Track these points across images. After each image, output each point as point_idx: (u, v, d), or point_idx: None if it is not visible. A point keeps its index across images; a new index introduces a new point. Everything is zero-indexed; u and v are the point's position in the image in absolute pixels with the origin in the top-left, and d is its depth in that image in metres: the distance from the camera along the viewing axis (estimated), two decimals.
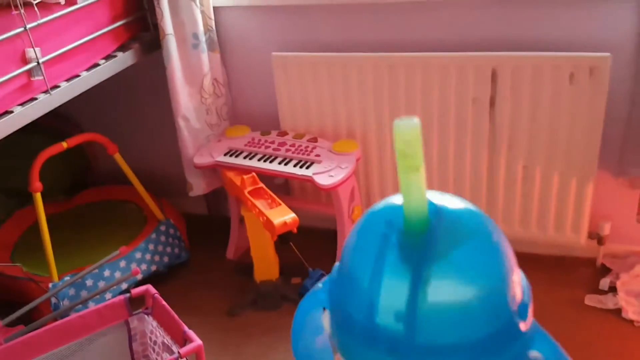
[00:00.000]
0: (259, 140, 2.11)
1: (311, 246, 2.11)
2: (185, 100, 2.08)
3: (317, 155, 1.99)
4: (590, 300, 1.89)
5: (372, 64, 1.93)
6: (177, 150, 2.17)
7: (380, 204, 0.30)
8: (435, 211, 0.26)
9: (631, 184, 1.85)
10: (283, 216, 1.77)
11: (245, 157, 2.04)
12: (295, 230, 1.79)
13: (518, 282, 0.28)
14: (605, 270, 1.99)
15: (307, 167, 1.95)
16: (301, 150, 2.03)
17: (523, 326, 0.28)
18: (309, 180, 1.92)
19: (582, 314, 1.85)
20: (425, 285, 0.25)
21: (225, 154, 2.07)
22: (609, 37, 1.73)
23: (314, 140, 2.07)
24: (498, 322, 0.26)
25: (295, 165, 1.97)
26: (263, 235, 1.92)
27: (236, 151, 2.08)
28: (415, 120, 0.25)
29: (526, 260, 2.04)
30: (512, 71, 1.78)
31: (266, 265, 2.00)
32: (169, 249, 2.16)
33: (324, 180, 1.89)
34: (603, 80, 1.69)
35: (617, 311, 1.83)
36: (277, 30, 2.08)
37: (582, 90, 1.72)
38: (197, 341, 1.45)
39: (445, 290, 0.25)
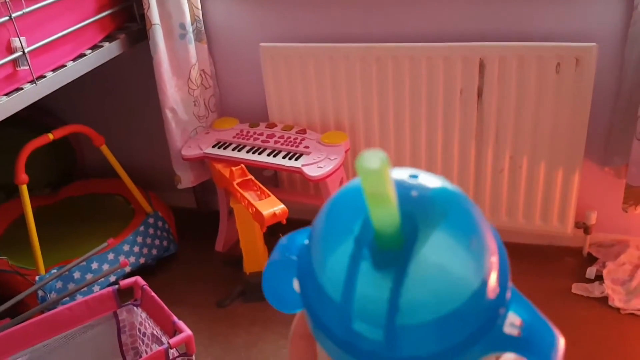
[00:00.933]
0: (248, 132, 2.10)
1: None
2: (172, 91, 2.07)
3: (306, 147, 1.99)
4: (577, 289, 1.91)
5: (361, 55, 1.93)
6: (164, 142, 2.16)
7: (344, 201, 0.29)
8: (409, 225, 0.26)
9: (617, 173, 1.87)
10: (272, 207, 1.77)
11: (233, 149, 2.04)
12: (284, 222, 1.79)
13: (496, 265, 0.28)
14: (591, 259, 2.01)
15: (296, 159, 1.95)
16: (290, 141, 2.02)
17: (502, 310, 0.28)
18: (298, 172, 1.92)
19: (569, 302, 1.87)
20: (403, 302, 0.26)
21: (213, 146, 2.06)
22: (595, 27, 1.75)
23: (303, 131, 2.07)
24: (480, 319, 0.27)
25: (284, 157, 1.97)
26: (252, 226, 1.92)
27: (224, 143, 2.07)
28: (380, 158, 0.24)
29: (513, 250, 2.05)
30: (499, 61, 1.79)
31: (255, 256, 2.00)
32: (157, 242, 2.15)
33: (312, 171, 1.89)
34: (589, 70, 1.71)
35: (604, 299, 1.85)
36: (265, 21, 2.08)
37: (569, 80, 1.74)
38: (187, 331, 1.44)
39: (425, 304, 0.26)
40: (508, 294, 0.29)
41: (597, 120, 1.82)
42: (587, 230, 1.97)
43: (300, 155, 1.96)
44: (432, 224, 0.27)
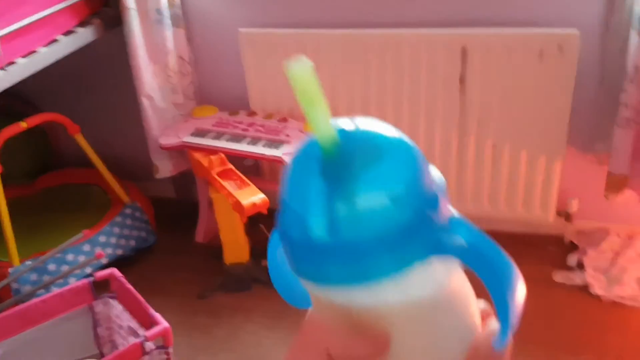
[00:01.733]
0: (227, 120, 2.06)
1: None
2: (149, 78, 2.02)
3: (287, 136, 1.96)
4: (558, 276, 1.91)
5: (342, 41, 1.89)
6: (142, 131, 2.11)
7: (305, 140, 0.34)
8: (346, 135, 0.32)
9: (599, 161, 1.87)
10: (252, 197, 1.74)
11: (213, 138, 2.00)
12: (265, 212, 1.77)
13: (429, 174, 0.33)
14: (573, 247, 2.01)
15: (276, 148, 1.92)
16: (271, 130, 1.99)
17: (436, 216, 0.32)
18: (279, 161, 1.89)
19: (551, 290, 1.87)
20: (344, 196, 0.31)
21: (192, 135, 2.02)
22: (578, 14, 1.73)
23: (284, 120, 2.04)
24: (410, 214, 0.31)
25: (264, 146, 1.93)
26: (232, 217, 1.89)
27: (203, 131, 2.03)
28: (303, 60, 0.31)
29: (494, 238, 2.06)
30: (482, 48, 1.77)
31: (236, 247, 1.97)
32: (135, 233, 2.11)
33: None
34: (572, 56, 1.69)
35: (585, 287, 1.86)
36: (245, 5, 2.03)
37: (552, 67, 1.72)
38: (164, 324, 1.41)
39: (363, 197, 0.31)
40: (443, 208, 0.32)
41: (580, 107, 1.81)
42: (568, 217, 1.97)
43: (282, 143, 1.93)
44: (368, 134, 0.32)
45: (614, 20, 1.67)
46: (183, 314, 1.91)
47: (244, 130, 2.00)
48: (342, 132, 0.32)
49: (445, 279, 0.33)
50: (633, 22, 1.61)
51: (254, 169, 2.21)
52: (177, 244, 2.23)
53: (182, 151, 2.13)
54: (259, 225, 1.96)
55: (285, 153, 1.88)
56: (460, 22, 1.82)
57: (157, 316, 1.45)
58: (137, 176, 2.35)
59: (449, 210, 0.34)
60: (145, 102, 2.03)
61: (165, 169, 2.15)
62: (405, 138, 0.33)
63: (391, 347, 0.33)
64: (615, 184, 1.80)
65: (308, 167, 0.32)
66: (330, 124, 0.31)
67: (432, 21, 1.84)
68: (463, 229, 0.33)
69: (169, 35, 2.00)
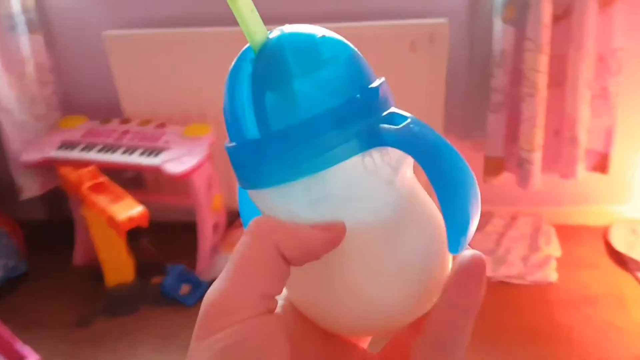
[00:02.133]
0: (98, 129, 1.92)
1: (173, 241, 1.97)
2: (4, 90, 1.84)
3: (166, 142, 1.85)
4: None
5: (212, 39, 1.82)
6: (2, 148, 1.91)
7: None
8: (277, 32, 0.32)
9: (475, 147, 1.92)
10: (128, 211, 1.62)
11: (82, 150, 1.84)
12: (146, 225, 1.65)
13: (367, 68, 0.32)
14: None
15: (155, 156, 1.80)
16: (148, 137, 1.87)
17: (374, 107, 0.31)
18: (157, 170, 1.78)
19: None
20: (271, 88, 0.30)
21: (58, 148, 1.86)
22: (445, 2, 1.77)
23: (162, 126, 1.93)
24: (341, 101, 0.30)
25: (141, 155, 1.81)
26: (110, 234, 1.75)
27: (72, 144, 1.87)
28: None
29: None
30: (353, 42, 1.73)
31: (118, 267, 1.83)
32: (2, 261, 1.90)
33: (174, 167, 1.75)
34: (443, 46, 1.73)
35: None
36: (107, 6, 1.90)
37: (424, 57, 1.75)
38: (33, 356, 1.27)
39: (291, 86, 0.30)
40: (384, 97, 0.31)
41: (454, 95, 1.85)
42: None
43: (160, 151, 1.82)
44: (297, 33, 0.32)
45: (479, 7, 1.73)
46: (62, 344, 1.74)
47: (117, 139, 1.87)
48: (273, 32, 0.32)
49: (392, 176, 0.31)
50: (495, 8, 1.66)
51: (136, 181, 2.08)
52: (52, 269, 2.04)
53: (49, 167, 1.96)
54: (140, 239, 1.84)
55: (164, 161, 1.77)
56: (330, 17, 1.80)
57: (26, 350, 1.32)
58: (1, 199, 2.13)
59: (394, 108, 0.32)
60: (1, 116, 1.84)
61: (31, 188, 1.96)
62: (337, 35, 0.32)
63: (343, 256, 0.30)
64: (492, 167, 1.86)
65: (239, 68, 0.32)
66: (257, 20, 0.31)
67: (301, 17, 1.81)
68: (408, 121, 0.30)
69: (25, 42, 1.84)
